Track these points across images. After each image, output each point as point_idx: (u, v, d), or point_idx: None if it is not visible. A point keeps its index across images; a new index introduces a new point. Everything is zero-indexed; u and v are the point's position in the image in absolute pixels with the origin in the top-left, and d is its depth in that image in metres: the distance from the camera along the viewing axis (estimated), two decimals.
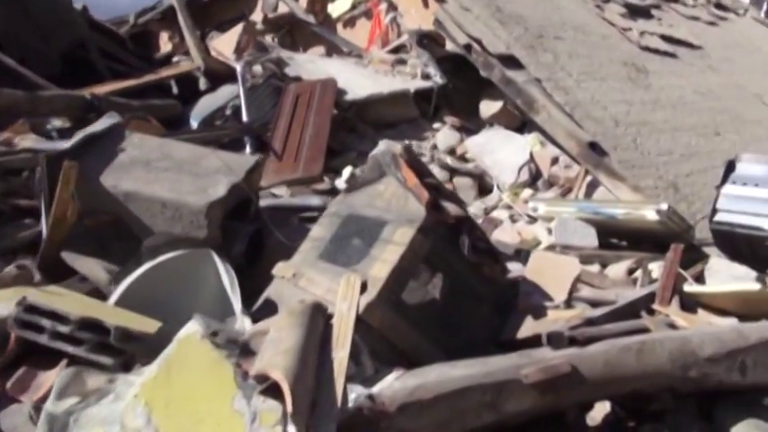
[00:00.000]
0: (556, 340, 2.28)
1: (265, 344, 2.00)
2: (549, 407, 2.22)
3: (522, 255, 3.96)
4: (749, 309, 3.06)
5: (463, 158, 6.23)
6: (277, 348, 1.92)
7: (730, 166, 4.04)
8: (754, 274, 3.82)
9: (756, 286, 2.95)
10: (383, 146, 2.94)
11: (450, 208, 2.46)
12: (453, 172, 5.67)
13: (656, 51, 7.14)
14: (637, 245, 4.34)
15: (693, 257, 4.16)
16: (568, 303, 2.82)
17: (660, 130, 5.67)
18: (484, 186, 5.80)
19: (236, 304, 2.56)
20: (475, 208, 5.41)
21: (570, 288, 2.78)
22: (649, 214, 3.94)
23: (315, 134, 5.94)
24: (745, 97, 7.24)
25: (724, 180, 4.00)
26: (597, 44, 6.65)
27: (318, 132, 5.96)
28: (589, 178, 5.22)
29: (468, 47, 5.95)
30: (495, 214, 5.23)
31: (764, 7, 12.06)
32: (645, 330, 2.64)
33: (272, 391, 1.76)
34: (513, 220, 5.07)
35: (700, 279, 4.08)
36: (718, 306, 3.20)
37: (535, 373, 2.11)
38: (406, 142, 6.16)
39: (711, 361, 2.32)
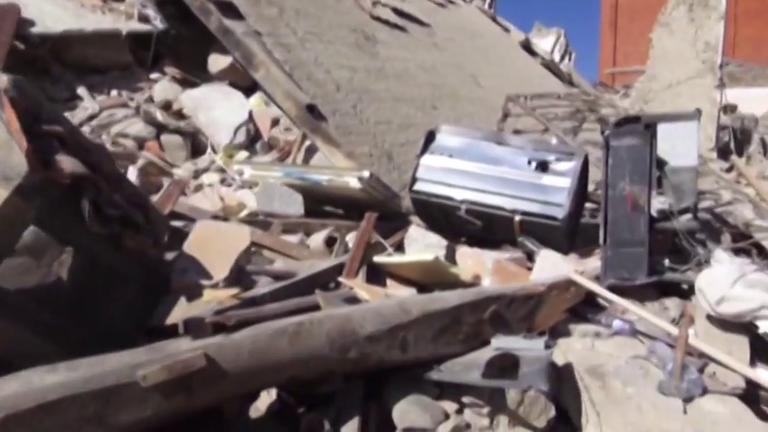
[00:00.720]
0: (195, 328, 1.90)
1: None
2: (181, 410, 1.83)
3: None
4: (430, 278, 3.06)
5: (180, 114, 5.56)
6: None
7: (430, 137, 4.09)
8: (445, 242, 3.93)
9: (430, 257, 2.94)
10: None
11: (67, 163, 1.89)
12: (161, 128, 4.99)
13: (386, 22, 7.23)
14: (350, 213, 4.23)
15: (398, 226, 4.18)
16: (238, 280, 2.47)
17: (381, 99, 5.69)
18: (199, 146, 5.24)
19: None
20: (184, 170, 4.83)
21: (234, 262, 2.43)
22: (352, 181, 3.81)
23: None
24: (463, 77, 7.74)
25: (424, 150, 4.05)
26: (328, 5, 6.46)
27: None
28: (308, 143, 5.00)
29: None
30: (206, 178, 4.72)
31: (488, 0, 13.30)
32: (314, 308, 2.41)
33: None
34: (227, 184, 4.62)
35: (401, 247, 4.11)
36: (404, 276, 3.16)
37: (156, 372, 1.70)
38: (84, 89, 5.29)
39: (372, 339, 2.15)
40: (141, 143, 4.82)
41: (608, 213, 3.45)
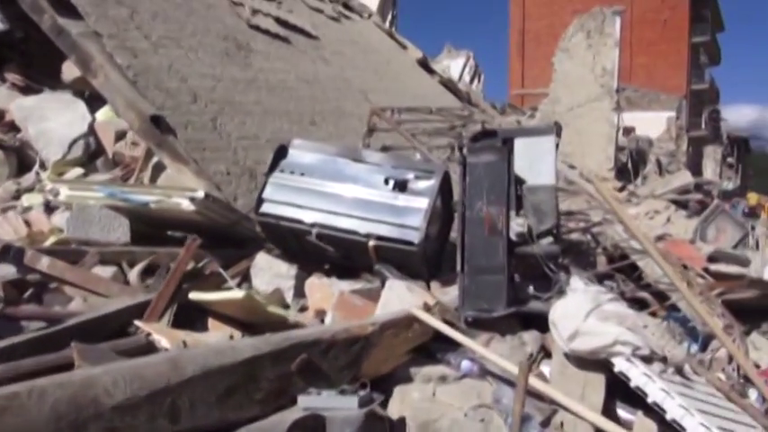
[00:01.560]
0: None
1: None
2: None
3: (11, 253, 2.93)
4: (249, 316, 2.60)
5: (13, 126, 4.86)
6: None
7: (281, 153, 3.66)
8: (294, 271, 3.49)
9: (240, 294, 2.48)
10: None
11: None
12: None
13: (266, 32, 6.78)
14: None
15: (245, 254, 3.70)
16: None
17: (249, 112, 5.21)
18: (29, 162, 4.56)
19: None
20: (3, 190, 4.15)
21: None
22: (183, 203, 3.31)
23: None
24: (352, 92, 7.40)
25: (272, 167, 3.60)
26: (197, 12, 5.93)
27: None
28: (156, 159, 4.44)
29: None
30: (27, 199, 4.06)
31: (389, 17, 13.16)
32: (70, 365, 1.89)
33: None
34: (50, 206, 3.97)
35: (247, 278, 3.63)
36: (225, 314, 2.68)
37: None
38: None
39: (123, 409, 1.65)
40: None
41: (465, 237, 3.13)
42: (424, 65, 10.69)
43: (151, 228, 3.68)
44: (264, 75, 5.97)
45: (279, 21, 7.30)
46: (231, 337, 2.45)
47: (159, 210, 3.34)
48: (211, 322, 2.69)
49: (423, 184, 3.41)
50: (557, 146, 3.17)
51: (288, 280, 3.44)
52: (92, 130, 4.57)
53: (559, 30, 16.69)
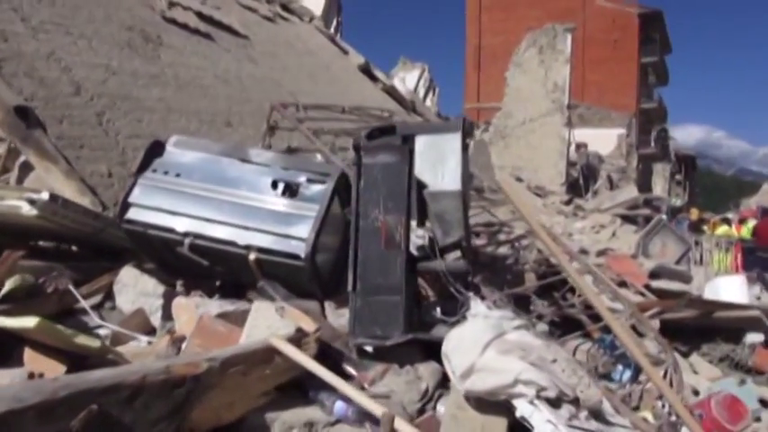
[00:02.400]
0: None
1: None
2: None
3: None
4: (64, 346, 2.05)
5: None
6: None
7: (155, 150, 3.13)
8: (162, 289, 2.96)
9: (32, 322, 1.93)
10: None
11: None
12: None
13: (184, 26, 6.23)
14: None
15: (109, 267, 3.15)
16: None
17: (147, 109, 4.66)
18: None
19: None
20: None
21: None
22: (24, 207, 2.74)
23: None
24: (280, 93, 6.89)
25: (143, 166, 3.07)
26: (102, 0, 5.35)
27: None
28: (24, 157, 3.84)
29: None
30: None
31: (334, 23, 12.75)
32: None
33: None
34: None
35: (110, 295, 3.08)
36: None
37: None
38: None
39: None
40: None
41: (358, 251, 2.66)
42: (367, 71, 10.27)
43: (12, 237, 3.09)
44: (174, 70, 5.42)
45: (201, 16, 6.77)
46: (32, 376, 1.91)
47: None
48: (28, 354, 2.13)
49: (315, 189, 2.92)
50: (466, 146, 2.74)
51: (155, 299, 2.90)
52: None
53: (515, 46, 16.64)
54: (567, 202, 12.60)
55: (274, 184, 2.95)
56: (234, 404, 1.93)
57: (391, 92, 10.65)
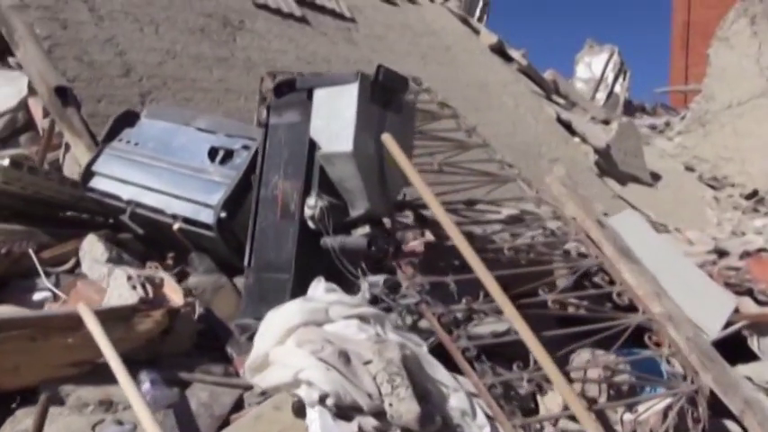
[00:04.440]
0: None
1: None
2: None
3: None
4: None
5: None
6: None
7: (126, 119, 3.17)
8: (107, 255, 2.96)
9: None
10: None
11: None
12: None
13: (276, 11, 6.34)
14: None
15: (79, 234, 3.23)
16: None
17: (201, 89, 4.79)
18: None
19: None
20: None
21: None
22: None
23: None
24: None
25: (111, 135, 3.12)
26: None
27: None
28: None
29: None
30: None
31: (479, 4, 12.16)
32: None
33: None
34: None
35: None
36: None
37: None
38: None
39: None
40: None
41: (256, 222, 2.38)
42: (500, 51, 9.61)
43: None
44: (247, 53, 5.53)
45: (301, 1, 6.85)
46: None
47: None
48: None
49: (244, 154, 2.69)
50: (388, 102, 2.29)
51: (101, 266, 2.92)
52: (22, 105, 4.43)
53: None
54: (750, 196, 10.62)
55: (211, 151, 2.79)
56: (19, 369, 1.81)
57: (529, 72, 9.86)
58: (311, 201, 2.21)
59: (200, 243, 2.70)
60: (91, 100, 4.09)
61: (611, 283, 2.66)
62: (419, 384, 1.67)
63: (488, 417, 1.83)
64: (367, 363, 1.58)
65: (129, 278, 2.21)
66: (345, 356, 1.57)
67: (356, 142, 2.15)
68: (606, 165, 8.60)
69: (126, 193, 2.91)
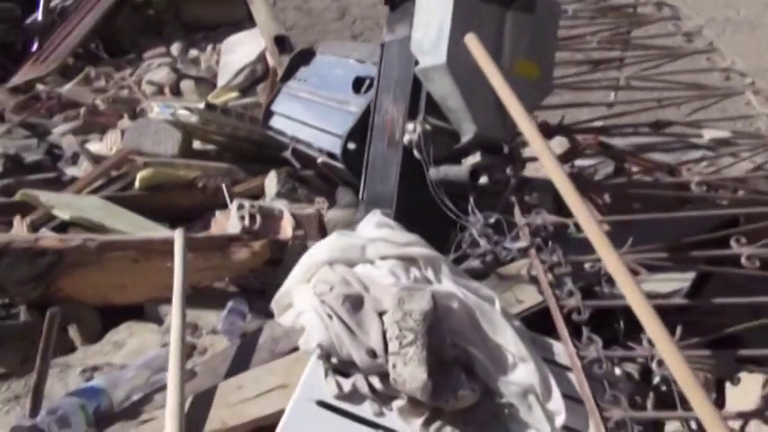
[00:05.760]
0: None
1: None
2: None
3: None
4: None
5: None
6: None
7: (302, 57, 3.22)
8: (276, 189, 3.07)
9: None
10: None
11: None
12: (181, 75, 5.13)
13: None
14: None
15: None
16: None
17: None
18: None
19: None
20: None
21: None
22: (187, 114, 3.27)
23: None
24: None
25: (288, 74, 3.20)
26: None
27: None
28: None
29: None
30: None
31: None
32: None
33: None
34: None
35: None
36: None
37: None
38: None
39: None
40: (161, 88, 5.06)
41: (370, 152, 2.18)
42: None
43: None
44: None
45: None
46: None
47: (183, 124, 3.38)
48: None
49: None
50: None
51: (272, 200, 3.06)
52: (261, 58, 4.88)
53: None
54: None
55: (356, 82, 2.64)
56: (126, 287, 1.97)
57: None
58: (410, 126, 1.91)
59: (343, 177, 2.61)
60: (303, 45, 4.29)
61: None
62: (461, 346, 1.31)
63: (575, 401, 1.37)
64: (382, 313, 1.29)
65: (241, 207, 2.24)
66: (354, 302, 1.30)
67: (450, 51, 1.75)
68: None
69: (290, 129, 2.97)
